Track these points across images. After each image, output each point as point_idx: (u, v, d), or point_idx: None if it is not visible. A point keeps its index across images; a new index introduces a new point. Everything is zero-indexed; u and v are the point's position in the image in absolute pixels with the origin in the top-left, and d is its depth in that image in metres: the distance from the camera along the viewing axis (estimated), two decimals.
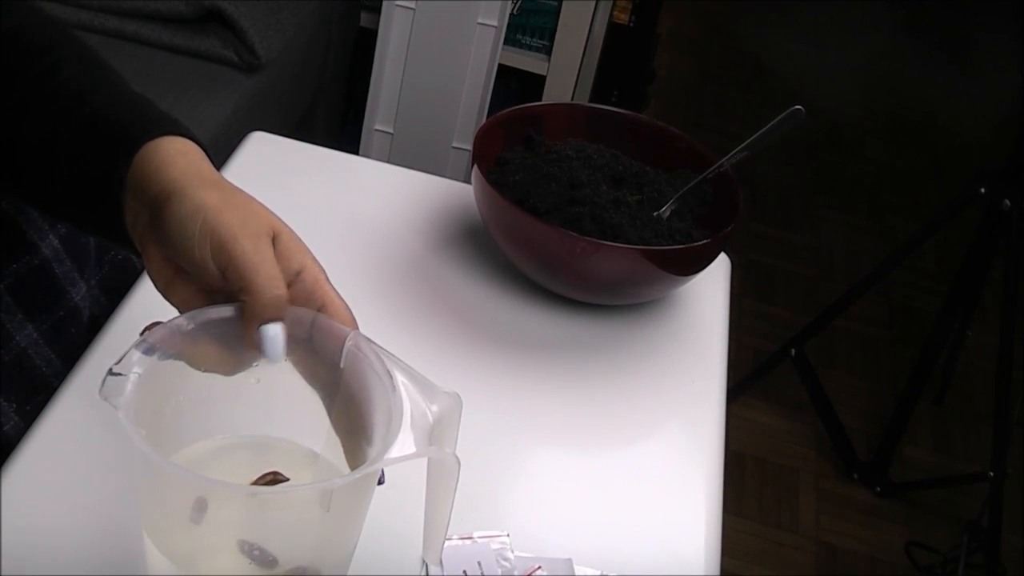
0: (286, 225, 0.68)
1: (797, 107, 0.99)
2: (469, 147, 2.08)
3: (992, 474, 1.92)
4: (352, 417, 0.66)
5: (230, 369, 0.67)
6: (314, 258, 0.68)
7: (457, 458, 0.62)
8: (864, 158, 3.29)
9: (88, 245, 0.95)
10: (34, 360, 0.90)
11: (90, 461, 0.76)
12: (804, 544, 2.05)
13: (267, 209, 0.68)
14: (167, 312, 0.66)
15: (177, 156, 0.70)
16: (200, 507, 0.62)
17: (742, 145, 1.01)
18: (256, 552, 0.63)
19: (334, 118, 2.31)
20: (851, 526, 2.11)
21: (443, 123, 2.15)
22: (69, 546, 0.71)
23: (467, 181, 1.06)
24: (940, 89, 3.65)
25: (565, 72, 2.19)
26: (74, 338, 0.90)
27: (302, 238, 0.68)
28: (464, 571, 0.74)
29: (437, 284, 0.99)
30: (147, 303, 0.90)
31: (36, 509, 0.73)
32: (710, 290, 1.05)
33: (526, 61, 2.21)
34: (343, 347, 0.66)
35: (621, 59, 2.43)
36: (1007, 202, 1.87)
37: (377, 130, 2.19)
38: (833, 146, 3.28)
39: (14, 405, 0.85)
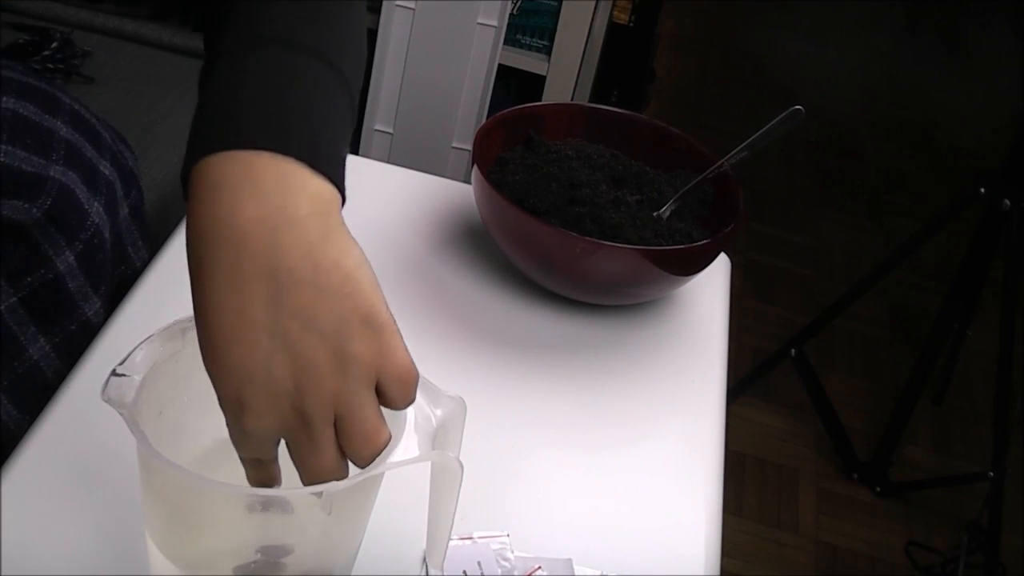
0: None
1: (797, 107, 0.99)
2: (469, 147, 2.08)
3: (992, 474, 1.92)
4: None
5: None
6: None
7: (460, 462, 0.62)
8: (864, 158, 3.29)
9: (104, 261, 0.95)
10: (46, 373, 0.90)
11: (92, 462, 0.76)
12: (804, 544, 2.05)
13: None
14: (166, 315, 0.66)
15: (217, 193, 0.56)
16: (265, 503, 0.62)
17: (742, 145, 1.01)
18: (258, 554, 0.63)
19: None
20: (851, 526, 2.11)
21: (443, 123, 2.15)
22: (71, 547, 0.71)
23: (467, 181, 1.06)
24: (940, 89, 3.65)
25: (565, 72, 2.19)
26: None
27: None
28: (464, 571, 0.74)
29: (437, 284, 0.99)
30: (148, 305, 0.90)
31: (37, 510, 0.73)
32: (710, 290, 1.05)
33: (526, 61, 2.21)
34: None
35: (621, 59, 2.43)
36: (1007, 202, 1.87)
37: (377, 130, 2.19)
38: (833, 146, 3.28)
39: (28, 418, 0.85)
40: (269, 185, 0.56)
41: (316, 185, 0.57)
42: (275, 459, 0.60)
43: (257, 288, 0.55)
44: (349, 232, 0.58)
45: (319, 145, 0.59)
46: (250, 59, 0.60)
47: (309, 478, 0.58)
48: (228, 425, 0.57)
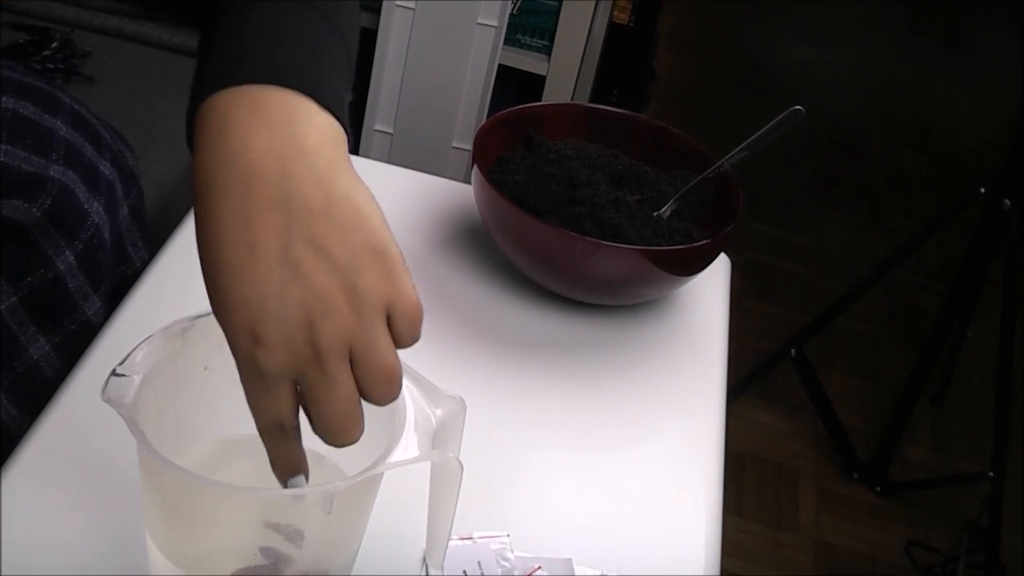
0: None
1: (797, 107, 0.99)
2: (469, 147, 2.08)
3: (992, 474, 1.92)
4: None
5: None
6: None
7: (460, 462, 0.62)
8: (864, 158, 3.29)
9: (104, 261, 0.95)
10: (46, 373, 0.90)
11: (92, 462, 0.76)
12: (804, 544, 2.05)
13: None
14: (166, 315, 0.67)
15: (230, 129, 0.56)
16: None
17: (742, 145, 1.01)
18: (258, 554, 0.63)
19: None
20: (851, 526, 2.11)
21: (443, 123, 2.15)
22: (71, 547, 0.71)
23: (467, 181, 1.06)
24: (940, 89, 3.65)
25: (565, 72, 2.19)
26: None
27: None
28: (464, 571, 0.74)
29: (437, 284, 0.99)
30: (148, 305, 0.90)
31: (37, 510, 0.73)
32: (710, 290, 1.05)
33: (526, 61, 2.21)
34: None
35: (621, 59, 2.43)
36: (1007, 202, 1.87)
37: (377, 130, 2.19)
38: (833, 146, 3.28)
39: (28, 418, 0.85)
40: (277, 117, 0.56)
41: (322, 119, 0.58)
42: (297, 428, 0.58)
43: (269, 217, 0.54)
44: (356, 171, 0.58)
45: (323, 84, 0.59)
46: (252, 13, 0.61)
47: (325, 424, 0.55)
48: (240, 371, 0.55)
